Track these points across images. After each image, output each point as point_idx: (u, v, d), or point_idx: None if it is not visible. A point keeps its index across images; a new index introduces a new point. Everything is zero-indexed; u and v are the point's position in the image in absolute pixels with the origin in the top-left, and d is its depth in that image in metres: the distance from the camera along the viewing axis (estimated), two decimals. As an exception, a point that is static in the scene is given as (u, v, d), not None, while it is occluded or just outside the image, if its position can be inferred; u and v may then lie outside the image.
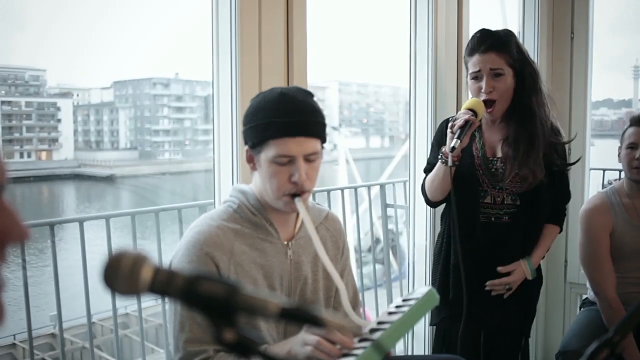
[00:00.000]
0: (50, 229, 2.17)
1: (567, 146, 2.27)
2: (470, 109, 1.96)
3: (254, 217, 1.49)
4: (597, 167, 3.57)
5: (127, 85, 57.37)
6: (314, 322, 0.63)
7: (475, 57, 2.06)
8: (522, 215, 2.13)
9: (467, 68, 2.11)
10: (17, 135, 49.67)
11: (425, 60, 2.61)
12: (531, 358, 3.50)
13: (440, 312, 2.22)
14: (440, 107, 2.63)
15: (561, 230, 2.29)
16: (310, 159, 1.43)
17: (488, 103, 2.05)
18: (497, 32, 2.11)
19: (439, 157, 2.05)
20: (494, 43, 2.05)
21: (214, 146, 2.01)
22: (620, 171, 3.51)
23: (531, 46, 3.31)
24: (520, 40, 3.35)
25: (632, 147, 2.38)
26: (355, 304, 1.68)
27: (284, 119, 1.40)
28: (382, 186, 3.12)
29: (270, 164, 1.42)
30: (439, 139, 2.19)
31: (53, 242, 2.20)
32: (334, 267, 1.42)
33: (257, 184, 1.51)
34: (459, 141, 1.92)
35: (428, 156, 2.29)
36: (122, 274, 0.63)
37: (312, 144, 1.43)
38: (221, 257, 1.43)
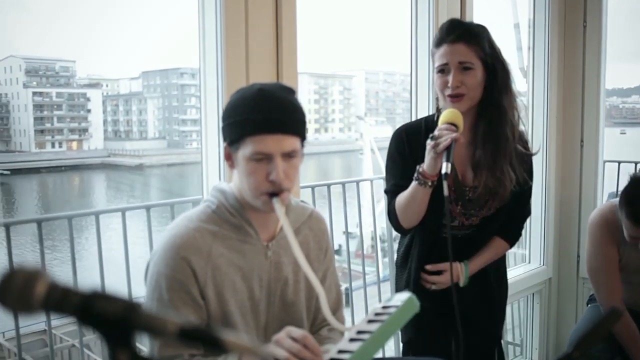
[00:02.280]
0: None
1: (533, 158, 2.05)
2: (452, 123, 1.74)
3: (233, 218, 1.46)
4: (611, 160, 3.44)
5: (155, 76, 57.88)
6: (215, 344, 0.59)
7: (443, 49, 1.83)
8: (480, 231, 1.99)
9: (433, 61, 1.90)
10: (48, 125, 50.59)
11: (426, 51, 2.52)
12: (543, 353, 3.44)
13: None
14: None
15: (511, 247, 2.09)
16: (289, 157, 1.38)
17: (455, 97, 1.84)
18: (468, 22, 1.93)
19: (416, 177, 1.80)
20: (463, 33, 1.83)
21: (202, 140, 1.97)
22: (636, 163, 3.40)
23: (542, 34, 3.20)
24: (531, 29, 3.27)
25: None
26: (338, 306, 1.63)
27: (261, 115, 1.36)
28: (371, 182, 3.01)
29: (248, 161, 1.37)
30: (402, 153, 1.93)
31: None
32: (313, 272, 1.37)
33: (236, 182, 1.47)
34: (449, 164, 1.67)
35: (387, 174, 1.99)
36: (14, 291, 0.60)
37: (290, 141, 1.38)
38: (198, 261, 1.39)
